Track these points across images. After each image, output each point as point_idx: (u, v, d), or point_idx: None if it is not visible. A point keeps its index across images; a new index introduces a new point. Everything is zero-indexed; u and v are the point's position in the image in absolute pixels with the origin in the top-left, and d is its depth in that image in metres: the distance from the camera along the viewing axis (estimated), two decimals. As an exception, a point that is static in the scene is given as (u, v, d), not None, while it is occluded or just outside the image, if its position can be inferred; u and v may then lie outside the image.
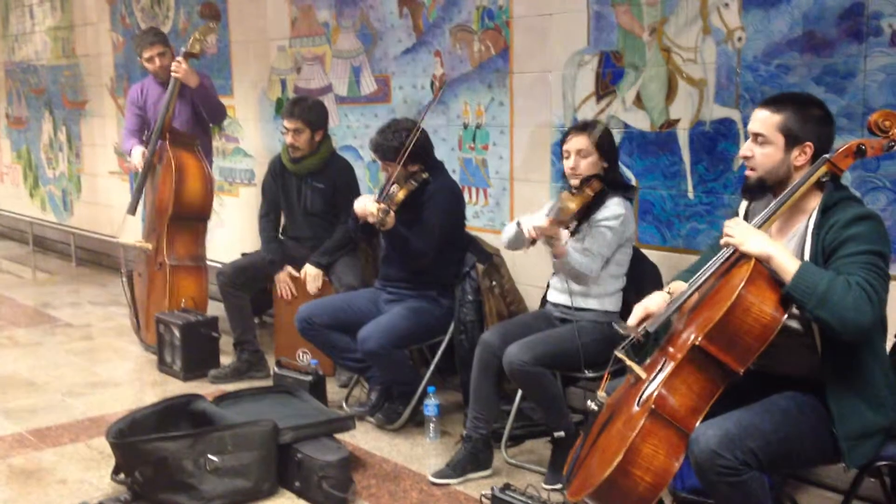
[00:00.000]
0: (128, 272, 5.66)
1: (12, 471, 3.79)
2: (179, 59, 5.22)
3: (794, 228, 2.59)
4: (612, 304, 3.64)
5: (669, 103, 3.88)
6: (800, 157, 2.57)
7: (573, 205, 3.41)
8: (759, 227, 2.55)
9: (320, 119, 4.81)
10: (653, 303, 2.77)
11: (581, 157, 3.57)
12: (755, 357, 2.45)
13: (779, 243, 2.49)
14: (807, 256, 2.49)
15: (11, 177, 9.88)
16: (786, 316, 2.43)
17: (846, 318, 2.34)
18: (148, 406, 3.79)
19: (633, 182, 4.02)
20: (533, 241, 3.40)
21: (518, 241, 3.59)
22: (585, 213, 3.56)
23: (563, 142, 3.66)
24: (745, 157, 2.65)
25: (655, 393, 2.46)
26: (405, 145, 4.00)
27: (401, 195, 4.04)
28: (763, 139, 2.60)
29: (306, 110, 4.73)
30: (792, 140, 2.57)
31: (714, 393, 2.47)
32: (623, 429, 2.49)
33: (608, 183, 3.58)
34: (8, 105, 9.71)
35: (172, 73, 5.23)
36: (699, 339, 2.43)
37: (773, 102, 2.62)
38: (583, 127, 3.62)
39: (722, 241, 2.58)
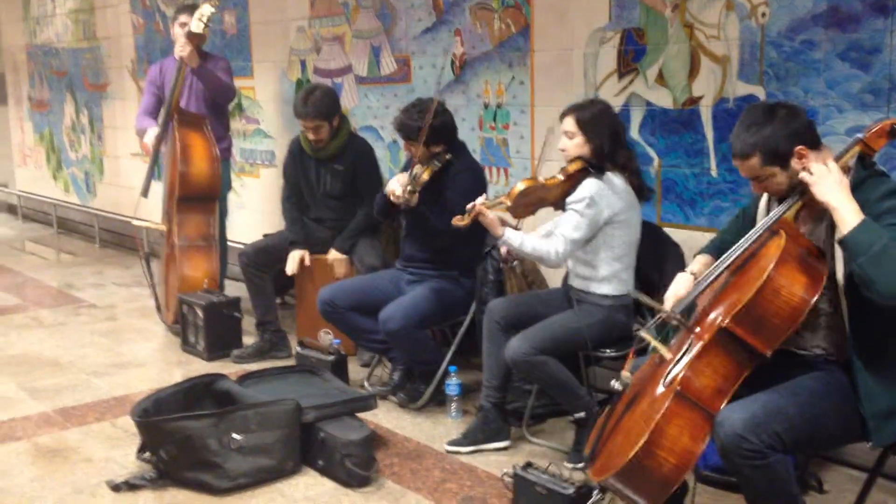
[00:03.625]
0: (146, 254, 5.69)
1: (38, 450, 3.83)
2: (183, 40, 5.22)
3: (823, 210, 2.54)
4: (613, 288, 3.58)
5: (692, 80, 3.84)
6: (800, 161, 2.52)
7: (521, 185, 3.48)
8: (784, 213, 2.53)
9: (333, 106, 4.75)
10: (681, 289, 2.75)
11: (568, 139, 3.56)
12: (783, 339, 2.43)
13: (850, 197, 2.42)
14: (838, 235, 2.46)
15: (34, 159, 9.95)
16: (815, 297, 2.41)
17: (893, 281, 2.31)
18: (172, 385, 3.81)
19: (655, 160, 4.00)
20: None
21: None
22: (563, 197, 3.55)
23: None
24: (762, 192, 2.64)
25: (681, 374, 2.44)
26: (426, 123, 3.99)
27: (425, 176, 4.04)
28: (761, 177, 2.56)
29: (317, 104, 4.65)
30: (783, 158, 2.52)
31: (740, 375, 2.46)
32: (648, 410, 2.47)
33: (595, 165, 3.52)
34: (30, 88, 9.76)
35: (176, 54, 5.23)
36: (726, 321, 2.41)
37: (740, 150, 2.54)
38: (572, 108, 3.60)
39: (800, 175, 2.50)
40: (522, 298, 3.83)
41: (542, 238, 3.53)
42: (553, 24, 4.36)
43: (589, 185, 3.49)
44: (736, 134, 2.57)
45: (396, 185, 4.02)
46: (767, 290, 2.39)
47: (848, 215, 2.38)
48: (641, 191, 3.61)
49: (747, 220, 2.82)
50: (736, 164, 2.61)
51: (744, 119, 2.58)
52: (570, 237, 3.47)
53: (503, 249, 3.79)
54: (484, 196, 3.50)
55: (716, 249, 2.86)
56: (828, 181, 2.44)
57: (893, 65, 3.22)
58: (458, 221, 3.51)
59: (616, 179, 3.52)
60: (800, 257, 2.44)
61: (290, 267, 4.88)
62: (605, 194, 3.49)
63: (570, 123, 3.55)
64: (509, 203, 3.48)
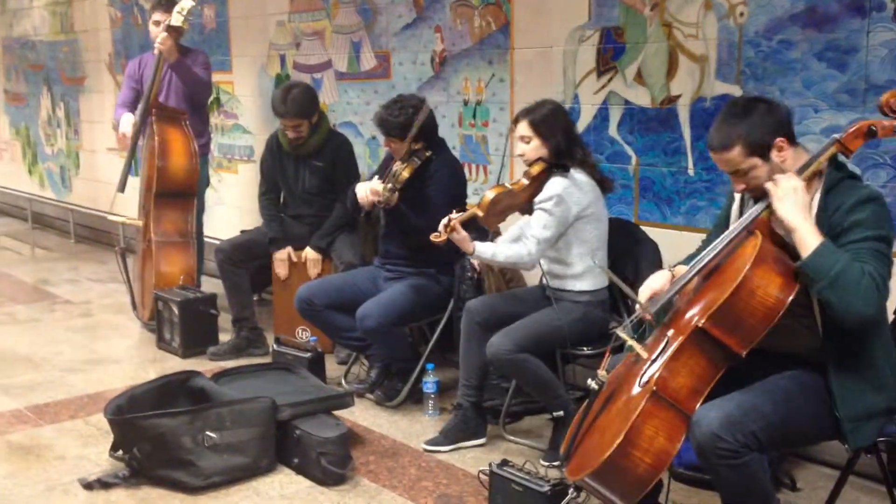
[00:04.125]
0: (121, 249, 5.65)
1: (11, 447, 3.79)
2: (164, 33, 5.17)
3: None
4: (589, 283, 3.59)
5: (670, 79, 3.85)
6: (780, 153, 2.50)
7: (491, 194, 3.50)
8: (760, 213, 2.52)
9: (312, 104, 4.74)
10: (656, 282, 2.74)
11: (524, 143, 3.57)
12: (759, 339, 2.43)
13: (809, 218, 2.42)
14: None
15: (10, 153, 9.85)
16: (791, 298, 2.41)
17: (853, 305, 2.32)
18: (146, 383, 3.79)
19: (633, 159, 4.01)
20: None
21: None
22: (531, 200, 3.55)
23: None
24: (743, 190, 2.59)
25: (657, 375, 2.44)
26: (413, 124, 3.95)
27: (405, 173, 4.02)
28: (742, 171, 2.52)
29: (296, 104, 4.64)
30: (764, 149, 2.49)
31: (715, 375, 2.46)
32: (624, 409, 2.47)
33: (557, 164, 3.53)
34: (6, 81, 9.66)
35: (157, 46, 5.19)
36: (703, 321, 2.41)
37: (720, 142, 2.51)
38: (523, 112, 3.59)
39: (766, 185, 2.48)
40: (501, 298, 3.83)
41: (512, 243, 3.53)
42: (533, 22, 4.36)
43: (555, 184, 3.51)
44: (716, 128, 2.54)
45: (375, 185, 4.00)
46: (743, 291, 2.39)
47: (807, 237, 2.38)
48: (603, 183, 3.63)
49: (721, 226, 2.81)
50: (715, 158, 2.56)
51: (723, 113, 2.56)
52: (540, 236, 3.48)
53: (475, 263, 3.79)
54: (456, 211, 3.50)
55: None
56: (791, 199, 2.42)
57: (870, 65, 3.24)
58: (436, 239, 3.49)
59: (579, 175, 3.54)
60: (775, 258, 2.44)
61: (282, 271, 4.87)
62: (572, 191, 3.50)
63: (524, 128, 3.56)
64: (481, 214, 3.50)
